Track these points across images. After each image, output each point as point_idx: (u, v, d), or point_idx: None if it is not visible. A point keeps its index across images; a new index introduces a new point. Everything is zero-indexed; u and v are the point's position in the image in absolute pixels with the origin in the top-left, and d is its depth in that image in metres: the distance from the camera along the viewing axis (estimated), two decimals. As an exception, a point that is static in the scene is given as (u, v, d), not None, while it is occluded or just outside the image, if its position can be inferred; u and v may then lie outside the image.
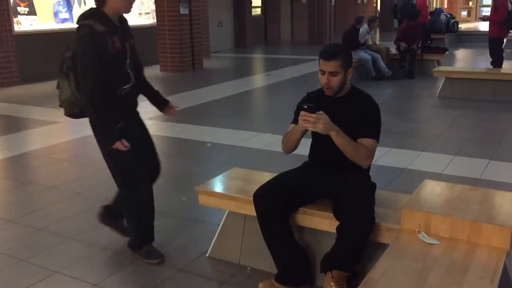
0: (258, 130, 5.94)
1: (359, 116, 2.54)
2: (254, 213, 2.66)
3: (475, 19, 28.61)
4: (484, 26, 21.74)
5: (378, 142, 2.57)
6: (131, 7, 2.68)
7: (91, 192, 4.11)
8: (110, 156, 2.76)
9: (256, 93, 8.72)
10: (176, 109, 3.09)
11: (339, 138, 2.43)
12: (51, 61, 10.47)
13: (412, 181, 4.09)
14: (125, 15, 2.76)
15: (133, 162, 2.75)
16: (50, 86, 9.62)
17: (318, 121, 2.35)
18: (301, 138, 2.55)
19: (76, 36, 2.58)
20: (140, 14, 12.74)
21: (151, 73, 11.22)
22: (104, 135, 2.65)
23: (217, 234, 3.00)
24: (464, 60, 12.68)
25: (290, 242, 2.56)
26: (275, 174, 2.77)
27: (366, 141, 2.52)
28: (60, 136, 6.02)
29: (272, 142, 5.37)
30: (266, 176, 3.06)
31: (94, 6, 2.65)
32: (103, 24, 2.55)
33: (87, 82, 2.53)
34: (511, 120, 6.19)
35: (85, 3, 11.23)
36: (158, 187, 4.14)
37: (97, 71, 2.53)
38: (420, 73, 9.57)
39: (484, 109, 6.80)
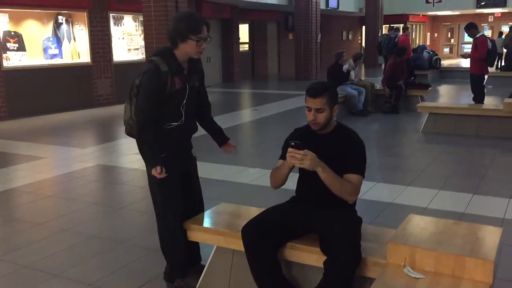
0: (246, 164, 5.98)
1: (345, 153, 2.60)
2: (242, 248, 2.68)
3: (457, 55, 29.39)
4: (466, 63, 22.36)
5: (363, 177, 2.63)
6: (201, 53, 2.81)
7: (78, 227, 4.10)
8: (152, 183, 2.90)
9: (244, 128, 8.81)
10: (234, 146, 3.21)
11: (325, 174, 2.49)
12: (39, 96, 10.62)
13: (397, 216, 4.14)
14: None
15: (170, 195, 2.86)
16: (37, 121, 9.73)
17: (305, 158, 2.42)
18: (289, 174, 2.61)
19: (146, 68, 2.78)
20: (130, 50, 12.90)
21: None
22: (147, 159, 2.81)
23: (205, 269, 3.00)
24: (447, 95, 12.97)
25: (278, 277, 2.58)
26: (263, 209, 2.80)
27: (352, 177, 2.58)
28: (47, 171, 6.00)
29: (260, 176, 5.41)
30: (254, 211, 3.09)
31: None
32: (168, 64, 2.71)
33: (141, 111, 2.71)
34: (493, 155, 6.32)
35: (74, 40, 11.38)
36: (147, 222, 4.17)
37: (152, 105, 2.71)
38: (404, 108, 9.77)
39: (467, 144, 6.94)
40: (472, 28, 8.84)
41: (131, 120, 2.82)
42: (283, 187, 2.76)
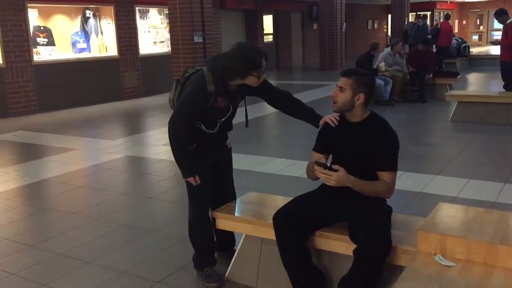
0: (273, 155, 6.00)
1: (377, 146, 2.54)
2: (271, 237, 2.71)
3: (486, 43, 28.70)
4: (495, 50, 21.81)
5: (396, 170, 2.60)
6: (258, 84, 2.80)
7: (109, 217, 4.19)
8: None
9: (269, 119, 8.81)
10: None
11: (357, 188, 2.49)
12: (69, 90, 10.82)
13: (427, 205, 4.10)
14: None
15: (199, 185, 2.86)
16: (67, 114, 9.93)
17: (330, 178, 2.42)
18: None
19: (195, 76, 2.75)
20: (155, 43, 13.02)
21: (165, 100, 11.34)
22: (180, 167, 2.83)
23: (234, 257, 3.04)
24: (476, 84, 12.70)
25: (308, 265, 2.60)
26: (290, 198, 2.82)
27: (385, 176, 2.55)
28: (78, 163, 6.14)
29: (286, 167, 5.42)
30: (281, 200, 3.11)
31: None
32: (216, 85, 2.71)
33: (178, 119, 2.72)
34: (525, 143, 6.19)
35: (102, 33, 11.54)
36: (176, 212, 4.24)
37: (190, 117, 2.75)
38: (432, 97, 9.61)
39: (497, 132, 6.80)
40: (502, 14, 8.61)
41: (171, 103, 2.89)
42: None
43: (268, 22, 18.55)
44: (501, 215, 2.49)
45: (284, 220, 2.58)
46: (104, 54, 11.67)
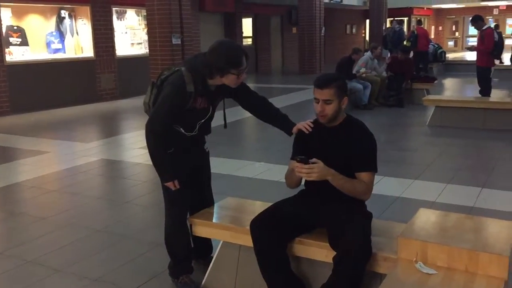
0: (251, 158, 5.93)
1: (355, 148, 2.53)
2: (249, 243, 2.64)
3: (462, 49, 29.24)
4: (470, 56, 22.19)
5: (376, 171, 2.58)
6: (237, 84, 2.74)
7: (82, 222, 4.06)
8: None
9: (248, 122, 8.75)
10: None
11: (336, 181, 2.45)
12: (42, 91, 10.56)
13: (406, 210, 4.09)
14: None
15: (176, 190, 2.78)
16: (40, 116, 9.69)
17: (311, 171, 2.38)
18: (301, 179, 2.56)
19: (172, 76, 2.68)
20: (133, 44, 12.85)
21: (142, 102, 11.22)
22: (159, 172, 2.75)
23: (211, 265, 2.96)
24: (452, 89, 12.87)
25: (287, 272, 2.53)
26: (269, 203, 2.76)
27: (364, 176, 2.53)
28: (51, 166, 5.97)
29: (265, 171, 5.36)
30: (260, 206, 3.05)
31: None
32: (196, 86, 2.63)
33: (156, 122, 2.63)
34: (501, 148, 6.25)
35: (77, 34, 11.33)
36: (151, 217, 4.13)
37: (169, 119, 2.65)
38: (410, 102, 9.68)
39: (474, 137, 6.86)
40: (478, 21, 8.73)
41: (147, 106, 2.80)
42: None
43: (247, 25, 18.51)
44: (481, 221, 2.48)
45: (262, 227, 2.52)
46: (79, 55, 11.45)
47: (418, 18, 16.79)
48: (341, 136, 2.58)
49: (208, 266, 2.98)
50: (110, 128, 8.93)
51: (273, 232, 2.49)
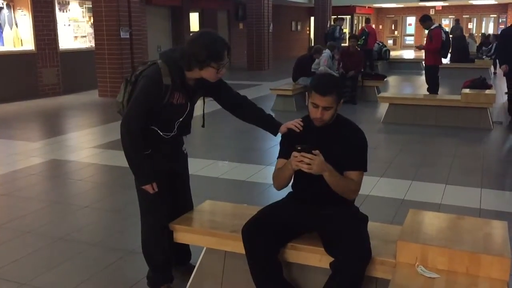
0: (214, 157, 5.77)
1: (346, 147, 2.48)
2: (235, 249, 2.53)
3: (401, 47, 30.27)
4: (408, 54, 22.99)
5: (366, 171, 2.53)
6: (217, 79, 2.56)
7: (41, 229, 3.76)
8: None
9: (201, 120, 8.56)
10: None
11: (332, 178, 2.37)
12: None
13: (378, 208, 4.11)
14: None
15: (153, 195, 2.61)
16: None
17: (313, 162, 2.27)
18: (293, 175, 2.45)
19: (148, 70, 2.51)
20: (76, 37, 12.26)
21: (88, 98, 10.77)
22: (136, 174, 2.59)
23: (194, 273, 2.80)
24: (399, 86, 13.22)
25: (279, 280, 2.43)
26: (251, 206, 2.64)
27: (354, 175, 2.47)
28: (-4, 167, 5.53)
29: (230, 170, 5.23)
30: (241, 209, 2.94)
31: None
32: (173, 79, 2.46)
33: (132, 119, 2.47)
34: (456, 145, 6.44)
35: (16, 26, 10.65)
36: (116, 222, 3.89)
37: (145, 114, 2.48)
38: (361, 99, 9.84)
39: (429, 134, 7.04)
40: (427, 20, 8.98)
41: (121, 106, 2.61)
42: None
43: (194, 20, 18.19)
44: (474, 222, 2.48)
45: (255, 233, 2.40)
46: (19, 48, 10.76)
47: (367, 17, 17.14)
48: (332, 135, 2.50)
49: (189, 273, 2.83)
50: (56, 126, 8.44)
51: (266, 237, 2.38)
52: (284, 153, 2.53)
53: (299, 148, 2.28)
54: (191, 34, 2.56)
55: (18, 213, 4.11)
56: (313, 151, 2.29)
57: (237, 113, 2.84)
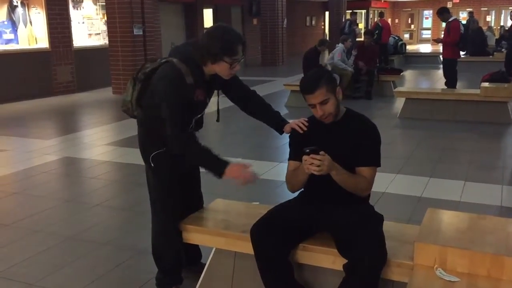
0: (225, 154, 5.67)
1: (358, 142, 2.38)
2: (245, 250, 2.45)
3: (417, 41, 29.85)
4: (425, 48, 22.66)
5: (379, 166, 2.42)
6: (230, 76, 2.46)
7: (51, 228, 3.72)
8: (149, 179, 2.63)
9: (214, 116, 8.50)
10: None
11: (339, 176, 2.27)
12: (-4, 84, 9.87)
13: (395, 206, 3.99)
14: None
15: (167, 194, 2.58)
16: (-6, 111, 9.04)
17: (322, 163, 2.17)
18: (307, 178, 2.34)
19: (163, 70, 2.40)
20: (90, 35, 12.28)
21: (102, 96, 10.78)
22: (210, 166, 2.43)
23: (203, 274, 2.72)
24: (416, 80, 12.99)
25: (290, 281, 2.34)
26: (264, 205, 2.55)
27: (366, 171, 2.37)
28: (8, 166, 5.53)
29: (242, 167, 5.14)
30: (253, 208, 2.85)
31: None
32: (194, 77, 2.37)
33: (175, 128, 2.36)
34: (474, 140, 6.28)
35: (31, 24, 10.69)
36: (127, 221, 3.84)
37: (182, 116, 2.39)
38: (377, 94, 9.67)
39: (446, 129, 6.87)
40: (444, 13, 8.77)
41: (130, 105, 2.52)
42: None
43: (208, 16, 18.12)
44: (496, 221, 2.35)
45: (264, 233, 2.31)
46: (33, 46, 10.81)
47: (380, 11, 16.89)
48: (342, 132, 2.41)
49: (199, 274, 2.75)
50: (70, 123, 8.45)
51: (276, 238, 2.29)
52: (294, 155, 2.44)
53: (307, 150, 2.19)
54: (210, 27, 2.46)
55: (28, 211, 4.08)
56: (320, 152, 2.19)
57: (244, 107, 2.76)
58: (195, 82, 2.39)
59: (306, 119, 2.49)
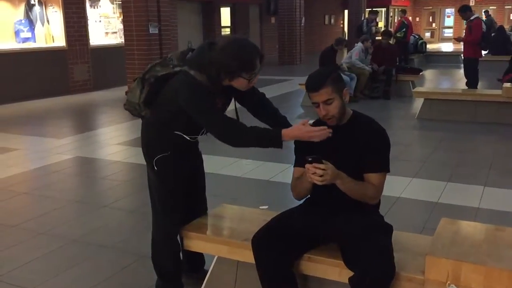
0: (237, 155, 5.58)
1: (365, 147, 2.24)
2: (248, 259, 2.33)
3: (438, 40, 29.35)
4: (447, 47, 22.25)
5: (388, 172, 2.28)
6: (248, 88, 2.37)
7: (57, 230, 3.67)
8: (151, 181, 2.56)
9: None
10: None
11: (345, 185, 2.15)
12: (10, 82, 9.98)
13: (408, 212, 3.84)
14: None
15: (170, 197, 2.50)
16: (8, 110, 9.14)
17: (326, 172, 2.05)
18: (312, 185, 2.22)
19: (179, 79, 2.33)
20: (107, 33, 12.30)
21: (118, 94, 10.77)
22: (268, 141, 2.29)
23: (205, 283, 2.62)
24: (436, 80, 12.70)
25: (294, 294, 2.22)
26: (271, 212, 2.44)
27: (374, 177, 2.24)
28: (20, 165, 5.51)
29: (254, 169, 5.04)
30: (259, 214, 2.74)
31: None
32: (213, 87, 2.30)
33: (218, 123, 2.30)
34: (495, 142, 6.06)
35: (48, 22, 10.75)
36: (134, 224, 3.76)
37: (217, 109, 2.33)
38: (395, 94, 9.46)
39: (466, 130, 6.66)
40: (466, 11, 8.53)
41: (137, 106, 2.43)
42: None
43: (225, 14, 18.07)
44: (515, 233, 2.20)
45: (266, 243, 2.20)
46: (50, 44, 10.86)
47: (402, 8, 16.55)
48: (349, 136, 2.27)
49: (201, 281, 2.65)
50: (84, 122, 8.45)
51: (278, 248, 2.17)
52: (300, 161, 2.32)
53: (310, 159, 2.07)
54: (220, 39, 2.35)
55: (34, 213, 4.04)
56: (323, 161, 2.07)
57: (252, 110, 2.65)
58: (217, 92, 2.32)
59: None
